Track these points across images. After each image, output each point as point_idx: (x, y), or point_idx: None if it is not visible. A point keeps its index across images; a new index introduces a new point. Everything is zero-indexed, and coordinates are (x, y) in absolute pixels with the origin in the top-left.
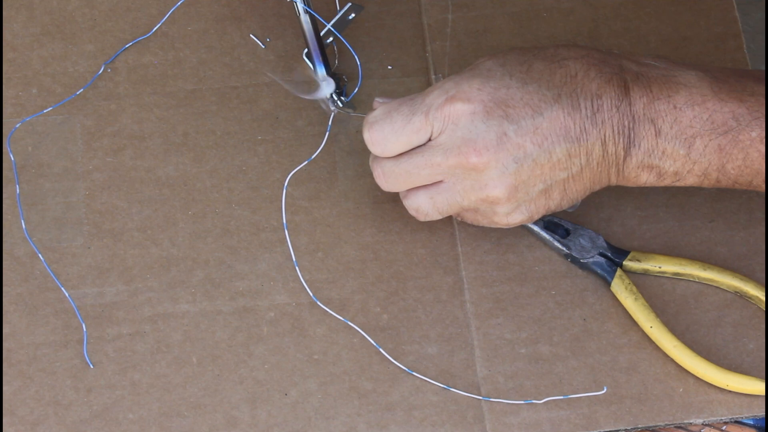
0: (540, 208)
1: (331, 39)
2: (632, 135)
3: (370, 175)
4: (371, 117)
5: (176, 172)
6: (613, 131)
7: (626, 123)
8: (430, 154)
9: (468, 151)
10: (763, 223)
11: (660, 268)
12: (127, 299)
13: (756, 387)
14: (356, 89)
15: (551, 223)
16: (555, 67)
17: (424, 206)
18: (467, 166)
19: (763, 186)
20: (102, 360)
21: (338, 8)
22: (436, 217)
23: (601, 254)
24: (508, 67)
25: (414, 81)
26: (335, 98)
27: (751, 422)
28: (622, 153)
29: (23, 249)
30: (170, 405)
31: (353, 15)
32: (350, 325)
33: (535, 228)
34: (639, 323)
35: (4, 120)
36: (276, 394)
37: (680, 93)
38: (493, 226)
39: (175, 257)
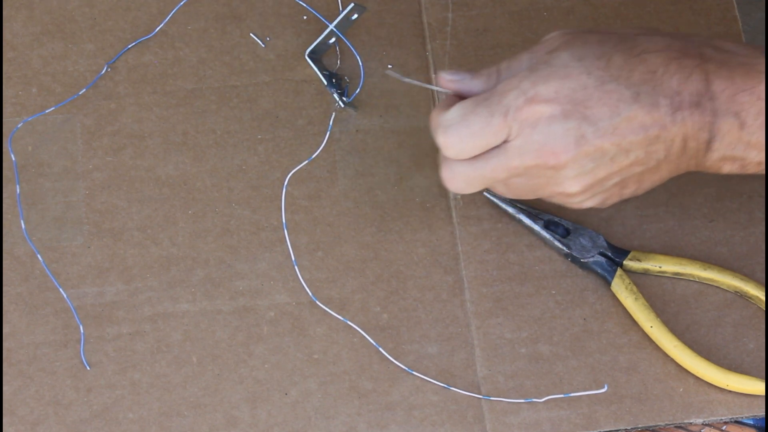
0: (613, 196)
1: (333, 39)
2: (714, 130)
3: (371, 174)
4: (445, 120)
5: (176, 171)
6: (694, 128)
7: (707, 119)
8: (507, 157)
9: (546, 154)
10: (763, 223)
11: (660, 267)
12: (127, 299)
13: (756, 387)
14: (358, 89)
15: (551, 222)
16: (635, 62)
17: (499, 190)
18: (545, 167)
19: None
20: (102, 360)
21: (341, 9)
22: (510, 197)
23: (602, 254)
24: (585, 63)
25: (414, 80)
26: (337, 98)
27: (751, 422)
28: (704, 147)
29: (23, 248)
30: (170, 405)
31: (356, 15)
32: (350, 325)
33: (536, 227)
34: (639, 323)
35: (4, 119)
36: (276, 394)
37: (763, 83)
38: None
39: (175, 257)
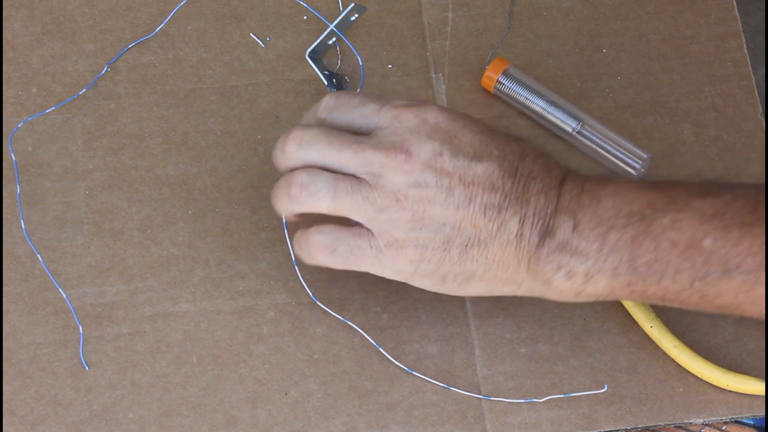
0: (432, 261)
1: (333, 39)
2: (550, 223)
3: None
4: (326, 99)
5: (176, 171)
6: (534, 214)
7: (548, 211)
8: (364, 145)
9: (399, 149)
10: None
11: None
12: (127, 299)
13: (756, 387)
14: (358, 90)
15: None
16: (512, 140)
17: (320, 186)
18: (391, 165)
19: (679, 295)
20: (102, 359)
21: (341, 9)
22: (320, 208)
23: None
24: (472, 120)
25: (414, 80)
26: None
27: (751, 422)
28: (536, 240)
29: (23, 248)
30: (170, 405)
31: (356, 16)
32: (350, 325)
33: None
34: (639, 323)
35: (4, 119)
36: (276, 394)
37: (607, 188)
38: (372, 268)
39: (175, 256)
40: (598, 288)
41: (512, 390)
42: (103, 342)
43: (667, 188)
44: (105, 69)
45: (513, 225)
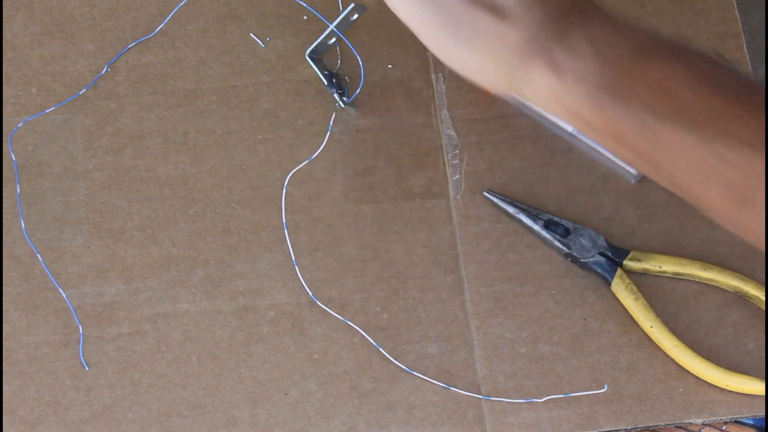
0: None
1: (333, 40)
2: (555, 38)
3: (371, 174)
4: None
5: (176, 171)
6: (553, 22)
7: (561, 26)
8: None
9: None
10: None
11: (660, 267)
12: (127, 299)
13: (756, 387)
14: (358, 90)
15: (551, 222)
16: None
17: None
18: None
19: (635, 139)
20: (102, 359)
21: (341, 9)
22: None
23: (602, 254)
24: None
25: (414, 80)
26: (337, 98)
27: (751, 422)
28: (538, 45)
29: (23, 248)
30: (170, 405)
31: (356, 16)
32: (350, 325)
33: (536, 227)
34: (639, 323)
35: (4, 119)
36: (276, 394)
37: (619, 21)
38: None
39: (175, 256)
40: (571, 102)
41: (512, 390)
42: (103, 342)
43: (681, 47)
44: (105, 69)
45: (535, 16)
